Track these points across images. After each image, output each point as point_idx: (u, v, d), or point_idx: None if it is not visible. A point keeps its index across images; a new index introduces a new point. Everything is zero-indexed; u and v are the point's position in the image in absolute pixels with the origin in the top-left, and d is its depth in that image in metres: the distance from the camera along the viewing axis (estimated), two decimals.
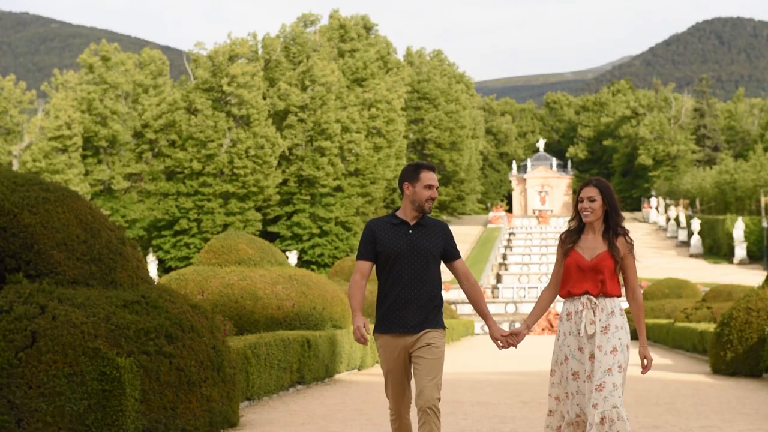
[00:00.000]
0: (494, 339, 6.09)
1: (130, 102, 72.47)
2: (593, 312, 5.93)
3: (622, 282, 6.14)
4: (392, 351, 5.95)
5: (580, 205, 6.06)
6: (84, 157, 69.50)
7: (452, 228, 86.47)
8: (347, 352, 17.14)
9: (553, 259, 68.77)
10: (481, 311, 6.10)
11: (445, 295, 48.25)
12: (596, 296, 5.96)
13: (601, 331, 5.92)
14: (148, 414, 7.63)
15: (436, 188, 6.07)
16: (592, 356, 5.90)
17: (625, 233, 6.07)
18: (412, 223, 6.02)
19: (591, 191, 6.01)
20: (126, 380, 7.26)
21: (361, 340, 5.87)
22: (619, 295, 6.03)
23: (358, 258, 6.03)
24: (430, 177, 6.06)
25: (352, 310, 5.97)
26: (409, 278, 5.91)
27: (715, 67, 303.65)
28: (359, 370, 18.61)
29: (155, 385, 7.73)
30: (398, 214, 6.09)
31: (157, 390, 7.74)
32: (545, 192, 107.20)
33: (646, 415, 10.73)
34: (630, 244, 6.04)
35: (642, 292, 6.89)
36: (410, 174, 6.08)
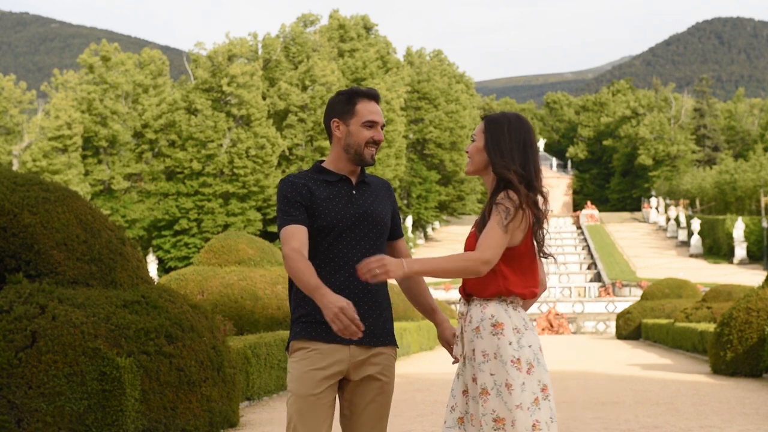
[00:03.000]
0: (447, 342, 4.02)
1: (130, 102, 72.48)
2: (462, 324, 3.87)
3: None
4: (323, 368, 3.87)
5: None
6: (84, 157, 69.51)
7: (452, 228, 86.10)
8: None
9: (551, 258, 69.36)
10: (428, 305, 4.12)
11: (445, 294, 48.08)
12: (467, 298, 3.88)
13: (471, 357, 3.80)
14: (148, 414, 7.63)
15: (382, 127, 4.03)
16: (465, 391, 3.84)
17: (507, 185, 3.77)
18: (354, 181, 4.03)
19: (476, 129, 3.92)
20: (126, 380, 7.26)
21: (352, 327, 3.66)
22: (497, 295, 3.78)
23: (287, 222, 3.90)
24: (372, 109, 4.01)
25: (313, 288, 3.77)
26: (360, 261, 3.79)
27: (715, 67, 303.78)
28: None
29: (155, 385, 7.73)
30: (327, 166, 4.05)
31: (157, 390, 7.74)
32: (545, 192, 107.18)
33: (646, 415, 10.73)
34: (509, 198, 3.72)
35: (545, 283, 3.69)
36: (341, 106, 4.03)
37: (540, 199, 3.86)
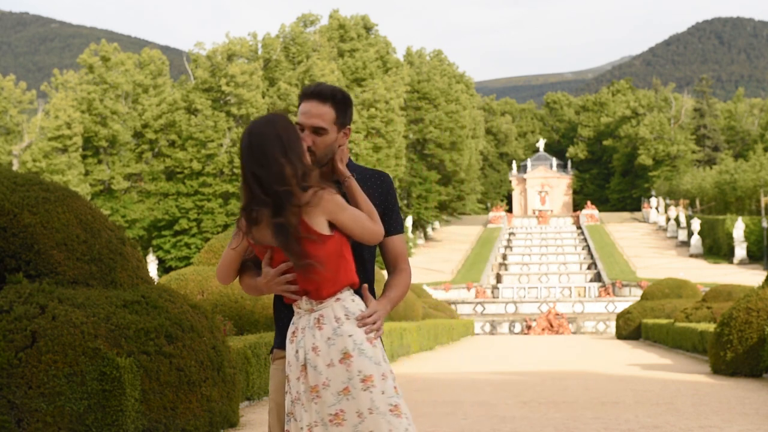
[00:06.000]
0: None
1: (130, 102, 72.48)
2: None
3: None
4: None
5: None
6: (84, 157, 69.51)
7: (452, 228, 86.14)
8: None
9: (553, 258, 67.36)
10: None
11: (445, 294, 48.20)
12: None
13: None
14: (148, 414, 7.63)
15: (320, 129, 3.47)
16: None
17: None
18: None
19: None
20: (126, 380, 7.26)
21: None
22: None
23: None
24: (303, 110, 3.50)
25: (255, 287, 3.58)
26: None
27: (715, 67, 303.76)
28: None
29: (155, 385, 7.73)
30: None
31: (157, 390, 7.74)
32: (545, 192, 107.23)
33: (646, 415, 10.73)
34: None
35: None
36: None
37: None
